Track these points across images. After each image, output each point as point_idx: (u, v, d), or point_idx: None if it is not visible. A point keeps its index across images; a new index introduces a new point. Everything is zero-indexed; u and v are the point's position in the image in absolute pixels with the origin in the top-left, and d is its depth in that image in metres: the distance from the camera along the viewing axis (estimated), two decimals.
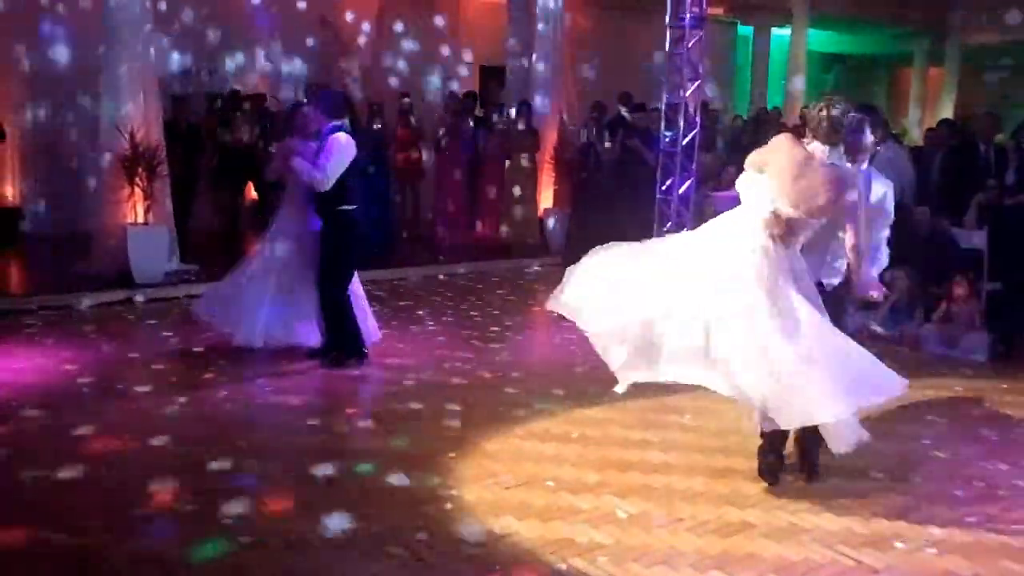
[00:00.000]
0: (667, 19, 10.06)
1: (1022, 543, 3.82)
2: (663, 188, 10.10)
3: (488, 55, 14.13)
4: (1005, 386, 6.25)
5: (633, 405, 5.50)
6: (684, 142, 9.94)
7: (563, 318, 7.50)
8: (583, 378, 6.04)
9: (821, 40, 17.40)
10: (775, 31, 16.05)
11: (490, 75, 14.14)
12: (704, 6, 9.94)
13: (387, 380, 5.91)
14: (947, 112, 15.64)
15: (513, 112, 11.35)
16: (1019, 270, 7.20)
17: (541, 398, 5.60)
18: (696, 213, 9.74)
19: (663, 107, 10.27)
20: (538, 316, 8.43)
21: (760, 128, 11.78)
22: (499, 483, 4.25)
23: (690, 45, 9.85)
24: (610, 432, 5.03)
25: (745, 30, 16.79)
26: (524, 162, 11.20)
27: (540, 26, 11.82)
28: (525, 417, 5.24)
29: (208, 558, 3.48)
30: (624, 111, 11.17)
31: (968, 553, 3.72)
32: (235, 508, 3.88)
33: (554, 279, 10.08)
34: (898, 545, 3.75)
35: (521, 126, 11.15)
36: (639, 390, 5.75)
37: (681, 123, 9.93)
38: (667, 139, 10.09)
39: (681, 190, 9.96)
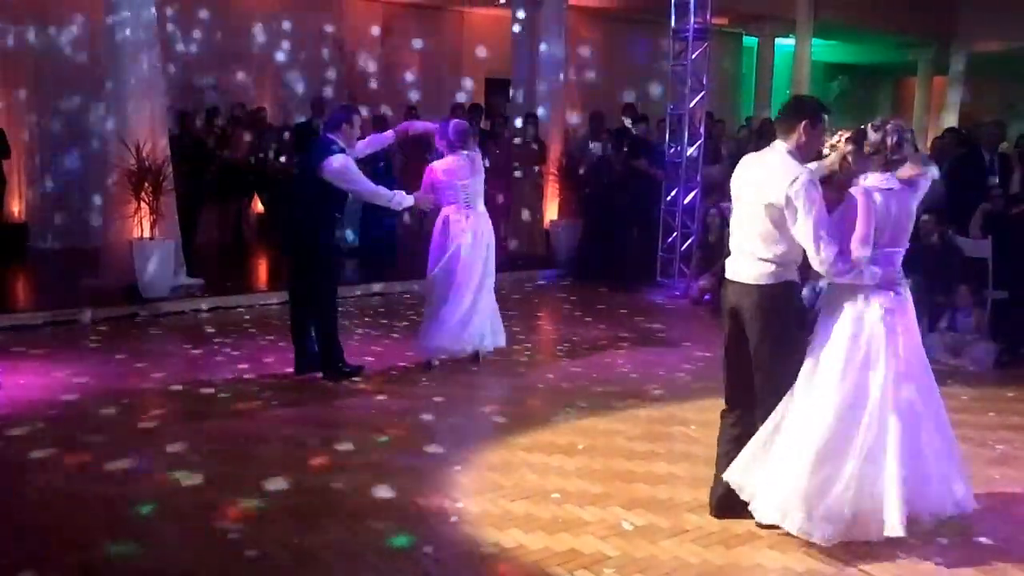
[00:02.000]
0: (670, 30, 10.12)
1: None
2: (667, 199, 10.13)
3: (493, 68, 14.20)
4: (1011, 394, 6.25)
5: (639, 417, 5.52)
6: (688, 153, 9.97)
7: (571, 332, 7.49)
8: (588, 389, 6.07)
9: (825, 50, 17.42)
10: (780, 41, 16.07)
11: (495, 87, 14.20)
12: (708, 17, 9.99)
13: (394, 393, 5.91)
14: (952, 121, 15.62)
15: (519, 124, 11.41)
16: (1023, 278, 7.19)
17: (548, 410, 5.61)
18: (701, 225, 9.78)
19: (667, 118, 10.32)
20: (544, 328, 8.46)
21: (765, 139, 11.78)
22: (505, 496, 4.26)
23: (694, 56, 9.90)
24: (616, 443, 5.03)
25: (750, 41, 16.82)
26: (530, 174, 11.23)
27: (544, 38, 11.87)
28: (530, 429, 5.24)
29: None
30: (628, 122, 11.21)
31: (973, 563, 3.72)
32: (239, 522, 3.90)
33: (562, 291, 10.16)
34: (903, 556, 3.75)
35: (527, 138, 11.19)
36: (643, 402, 5.81)
37: (686, 134, 9.97)
38: (671, 150, 10.13)
39: (686, 201, 9.99)
